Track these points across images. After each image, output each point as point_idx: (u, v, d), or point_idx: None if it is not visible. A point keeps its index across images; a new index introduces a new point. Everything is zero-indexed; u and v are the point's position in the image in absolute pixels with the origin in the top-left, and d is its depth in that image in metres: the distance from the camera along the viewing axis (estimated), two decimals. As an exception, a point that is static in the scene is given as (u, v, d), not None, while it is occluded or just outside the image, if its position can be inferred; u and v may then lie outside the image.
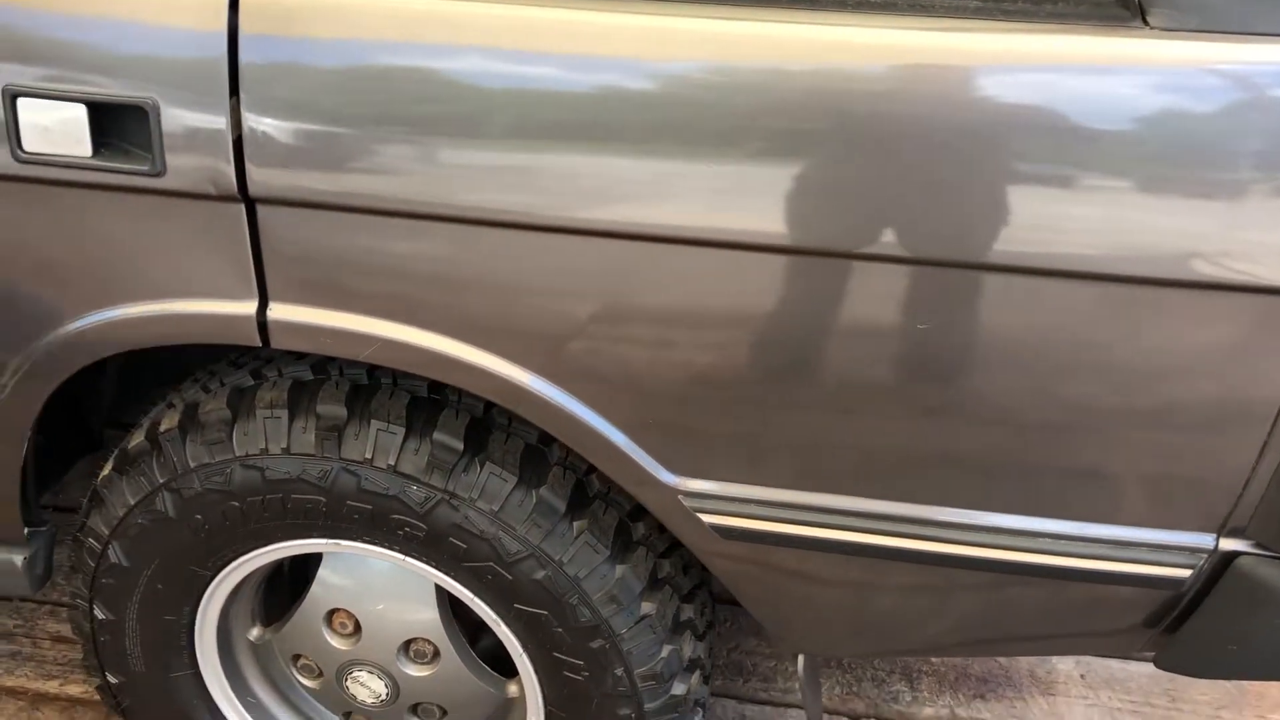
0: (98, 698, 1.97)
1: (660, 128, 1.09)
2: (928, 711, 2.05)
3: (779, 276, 1.13)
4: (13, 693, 1.99)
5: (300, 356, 1.46)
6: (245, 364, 1.49)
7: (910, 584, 1.28)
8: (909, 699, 2.07)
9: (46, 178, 1.20)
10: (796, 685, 2.10)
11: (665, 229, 1.12)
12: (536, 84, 1.10)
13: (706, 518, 1.27)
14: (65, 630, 2.13)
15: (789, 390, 1.20)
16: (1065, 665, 2.13)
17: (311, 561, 1.67)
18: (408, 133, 1.13)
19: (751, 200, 1.09)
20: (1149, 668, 2.12)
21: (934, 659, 2.15)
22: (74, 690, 2.00)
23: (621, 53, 1.08)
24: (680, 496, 1.27)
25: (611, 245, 1.14)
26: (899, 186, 1.07)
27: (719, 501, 1.27)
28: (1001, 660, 2.14)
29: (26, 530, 1.54)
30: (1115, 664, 2.13)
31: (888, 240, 1.08)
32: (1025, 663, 2.13)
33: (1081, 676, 2.11)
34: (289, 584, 1.70)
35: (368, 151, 1.14)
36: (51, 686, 2.01)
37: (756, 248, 1.11)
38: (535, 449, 1.41)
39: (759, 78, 1.06)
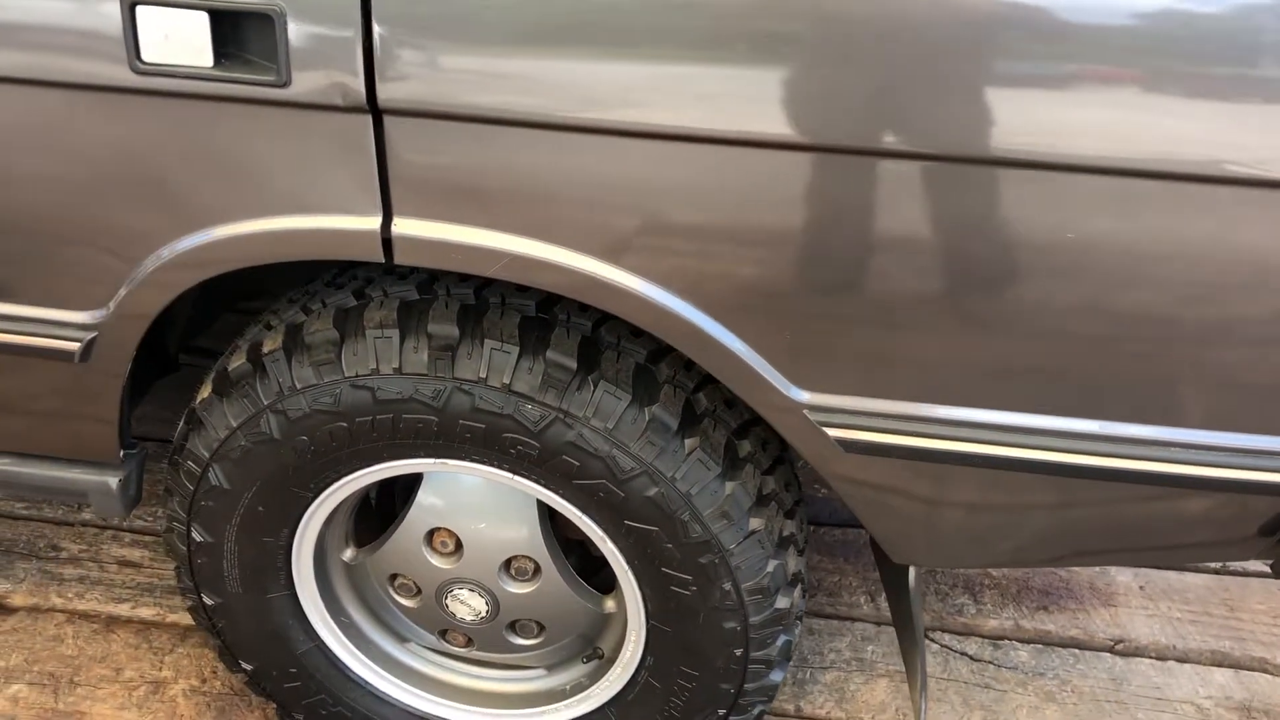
0: (169, 620, 1.98)
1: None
2: (992, 623, 2.08)
3: (894, 183, 1.12)
4: (86, 616, 1.99)
5: (402, 277, 1.44)
6: (345, 284, 1.47)
7: (1038, 497, 1.29)
8: (973, 611, 2.10)
9: (165, 89, 1.16)
10: (861, 600, 2.13)
11: (777, 137, 1.10)
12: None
13: (831, 431, 1.27)
14: (130, 554, 2.12)
15: (916, 300, 1.19)
16: (1124, 577, 2.17)
17: (399, 486, 1.67)
18: (547, 39, 1.10)
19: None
20: (1206, 578, 2.16)
21: (994, 572, 2.18)
22: (146, 614, 2.00)
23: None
24: (805, 411, 1.27)
25: (740, 154, 1.12)
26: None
27: (845, 415, 1.27)
28: (1061, 572, 2.17)
29: (122, 453, 1.52)
30: (1173, 574, 2.17)
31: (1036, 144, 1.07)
32: (1085, 575, 2.17)
33: (1140, 588, 2.15)
34: (376, 507, 1.70)
35: (503, 59, 1.11)
36: (123, 610, 2.01)
37: (871, 153, 1.10)
38: (645, 368, 1.40)
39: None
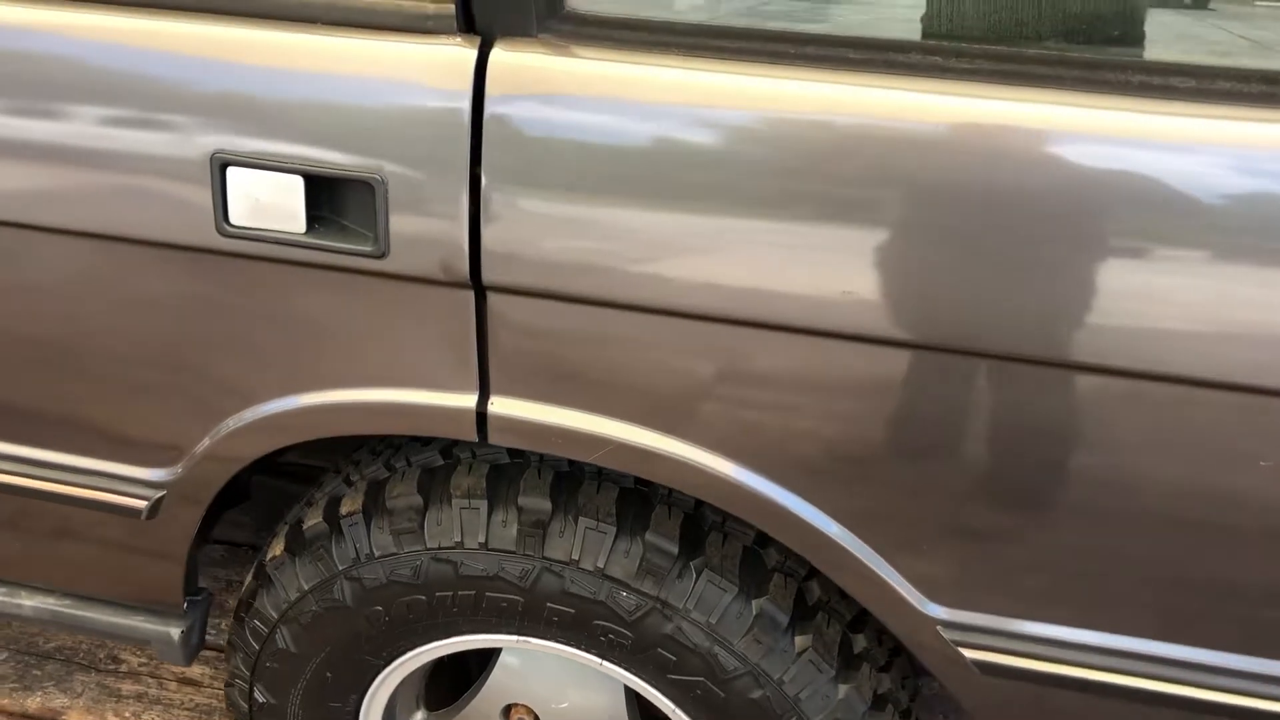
0: (230, 752, 1.87)
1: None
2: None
3: (1032, 390, 0.99)
4: (142, 741, 1.90)
5: (493, 435, 1.33)
6: (433, 441, 1.36)
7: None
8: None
9: (252, 253, 1.07)
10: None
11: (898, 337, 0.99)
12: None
13: (969, 653, 1.13)
14: (190, 672, 2.03)
15: (1061, 511, 1.05)
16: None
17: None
18: (661, 227, 0.99)
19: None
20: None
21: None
22: (203, 740, 1.90)
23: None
24: (939, 628, 1.13)
25: (866, 351, 1.00)
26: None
27: (986, 635, 1.12)
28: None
29: (186, 602, 1.43)
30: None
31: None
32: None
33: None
34: (451, 669, 1.58)
35: (614, 242, 1.00)
36: (181, 735, 1.91)
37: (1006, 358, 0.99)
38: (753, 552, 1.27)
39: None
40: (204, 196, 1.05)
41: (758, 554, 1.27)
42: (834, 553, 1.10)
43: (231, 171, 1.04)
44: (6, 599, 1.47)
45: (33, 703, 1.94)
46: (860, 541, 1.09)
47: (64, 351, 1.19)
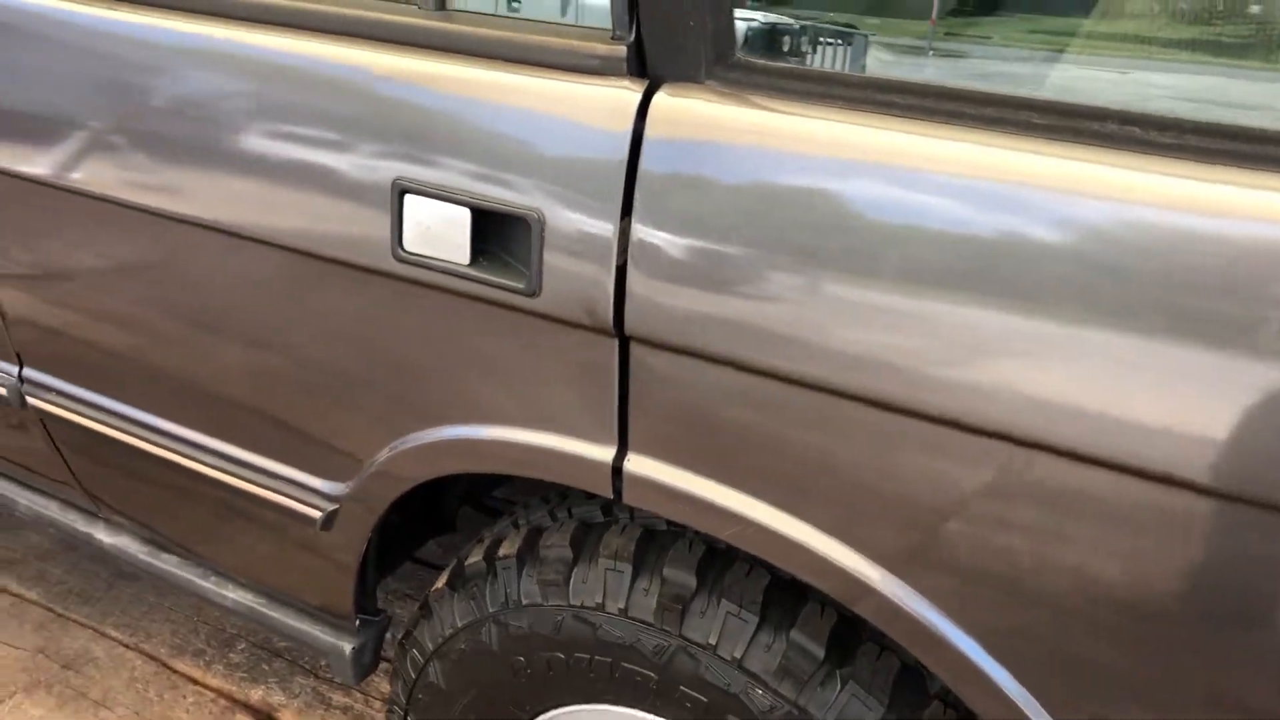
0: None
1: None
2: None
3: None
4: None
5: (657, 500, 1.28)
6: (598, 496, 1.33)
7: None
8: None
9: (420, 279, 1.09)
10: None
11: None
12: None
13: None
14: (396, 695, 2.09)
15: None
16: None
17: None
18: (827, 280, 0.90)
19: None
20: None
21: None
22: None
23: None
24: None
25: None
26: None
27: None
28: None
29: (358, 620, 1.47)
30: None
31: None
32: None
33: None
34: None
35: (771, 298, 0.93)
36: (374, 755, 1.97)
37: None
38: (911, 671, 1.13)
39: None
40: (384, 221, 1.09)
41: (918, 675, 1.13)
42: (996, 698, 0.95)
43: (409, 199, 1.07)
44: (215, 588, 1.58)
45: (255, 694, 2.07)
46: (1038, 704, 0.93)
47: (265, 355, 1.26)
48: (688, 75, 0.96)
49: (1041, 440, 0.84)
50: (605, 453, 1.07)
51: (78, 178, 1.29)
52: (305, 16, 1.14)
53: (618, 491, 1.08)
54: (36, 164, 1.31)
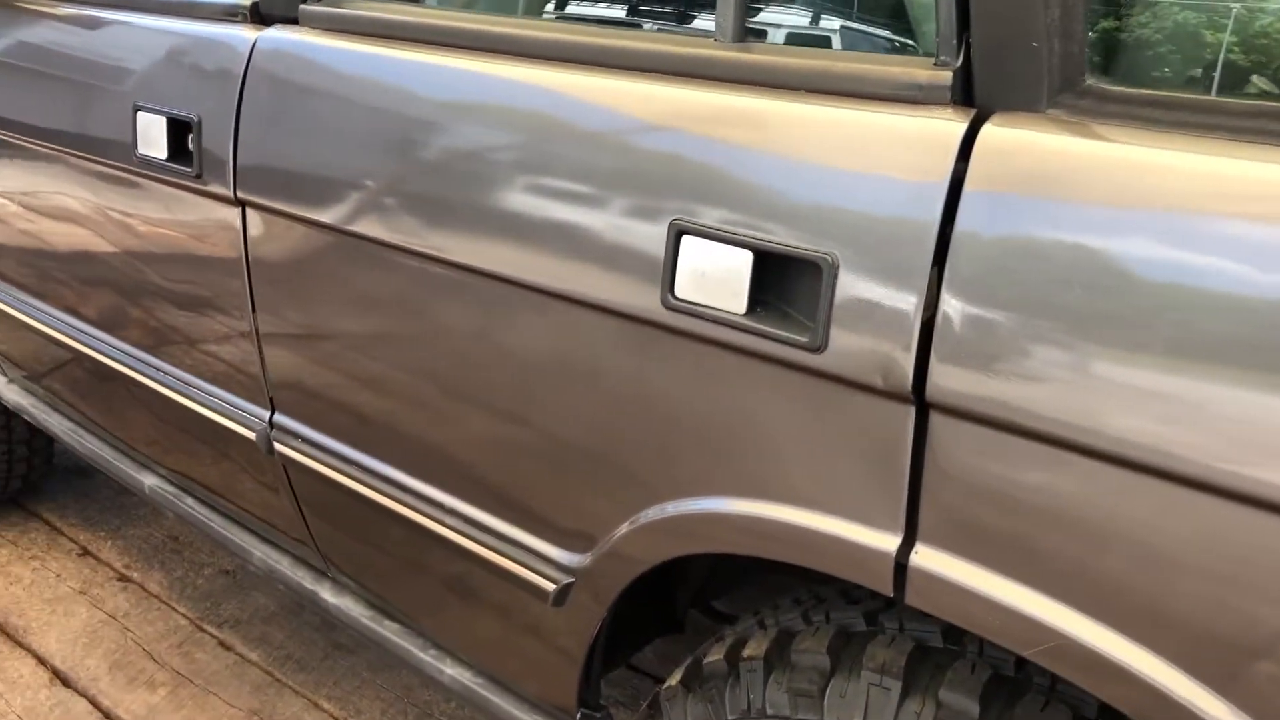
0: None
1: None
2: None
3: None
4: None
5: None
6: (861, 599, 1.17)
7: None
8: None
9: (689, 329, 0.99)
10: None
11: None
12: None
13: None
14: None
15: None
16: None
17: None
18: (1215, 368, 0.74)
19: None
20: None
21: None
22: None
23: None
24: None
25: None
26: None
27: None
28: None
29: (580, 714, 1.35)
30: None
31: None
32: None
33: None
34: None
35: (1121, 381, 0.77)
36: None
37: None
38: None
39: None
40: (655, 264, 1.00)
41: None
42: None
43: (686, 240, 0.97)
44: (434, 662, 1.49)
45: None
46: None
47: (514, 408, 1.19)
48: (1025, 103, 0.83)
49: None
50: (888, 541, 0.92)
51: (352, 221, 1.28)
52: (594, 53, 1.09)
53: (899, 589, 0.93)
54: (324, 210, 1.31)
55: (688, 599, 1.53)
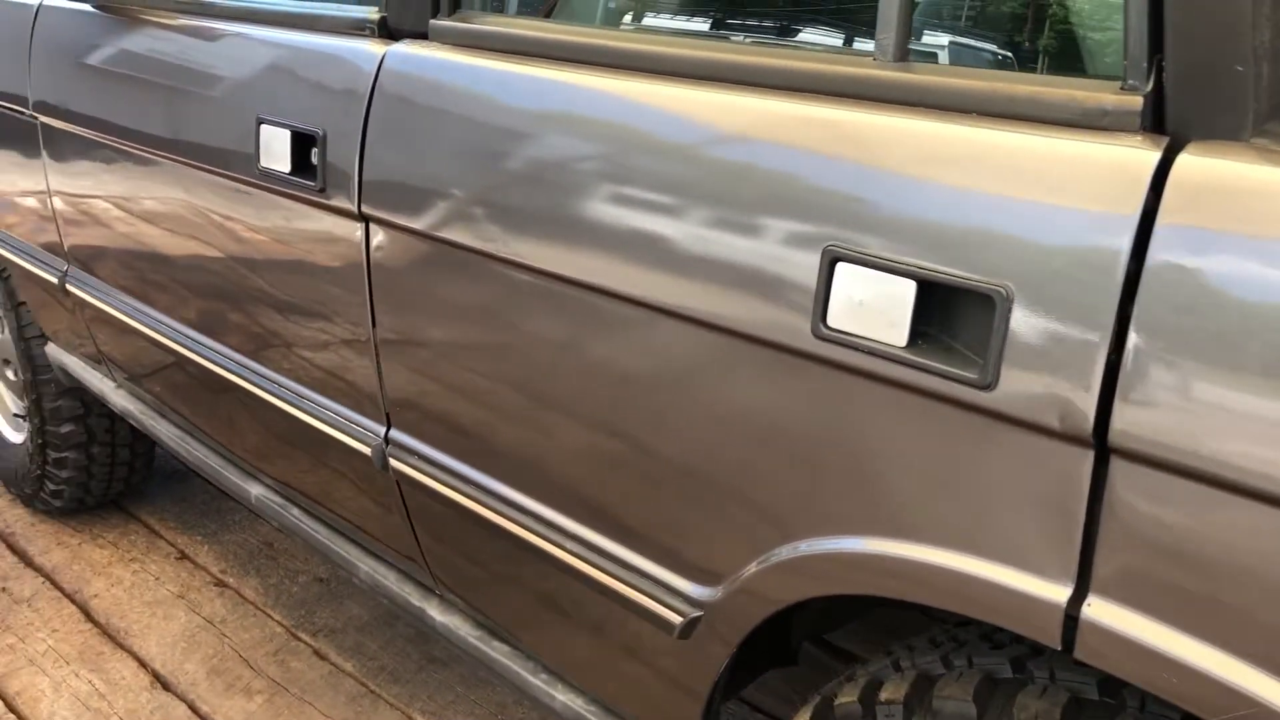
0: None
1: None
2: None
3: None
4: None
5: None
6: (1006, 644, 1.11)
7: None
8: None
9: (842, 361, 0.95)
10: None
11: None
12: None
13: None
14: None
15: None
16: None
17: None
18: None
19: None
20: None
21: None
22: None
23: None
24: None
25: None
26: None
27: None
28: None
29: (698, 749, 1.31)
30: None
31: None
32: None
33: None
34: None
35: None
36: None
37: None
38: None
39: None
40: (807, 293, 0.96)
41: None
42: None
43: (841, 268, 0.93)
44: (544, 686, 1.47)
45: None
46: None
47: (648, 437, 1.15)
48: (1226, 132, 0.78)
49: None
50: (1058, 592, 0.87)
51: (480, 240, 1.26)
52: (747, 72, 1.05)
53: (1068, 643, 0.87)
54: (451, 228, 1.29)
55: (803, 632, 1.49)
